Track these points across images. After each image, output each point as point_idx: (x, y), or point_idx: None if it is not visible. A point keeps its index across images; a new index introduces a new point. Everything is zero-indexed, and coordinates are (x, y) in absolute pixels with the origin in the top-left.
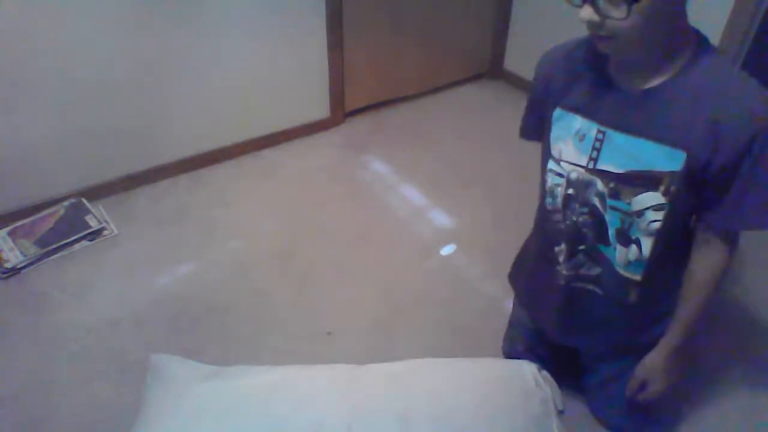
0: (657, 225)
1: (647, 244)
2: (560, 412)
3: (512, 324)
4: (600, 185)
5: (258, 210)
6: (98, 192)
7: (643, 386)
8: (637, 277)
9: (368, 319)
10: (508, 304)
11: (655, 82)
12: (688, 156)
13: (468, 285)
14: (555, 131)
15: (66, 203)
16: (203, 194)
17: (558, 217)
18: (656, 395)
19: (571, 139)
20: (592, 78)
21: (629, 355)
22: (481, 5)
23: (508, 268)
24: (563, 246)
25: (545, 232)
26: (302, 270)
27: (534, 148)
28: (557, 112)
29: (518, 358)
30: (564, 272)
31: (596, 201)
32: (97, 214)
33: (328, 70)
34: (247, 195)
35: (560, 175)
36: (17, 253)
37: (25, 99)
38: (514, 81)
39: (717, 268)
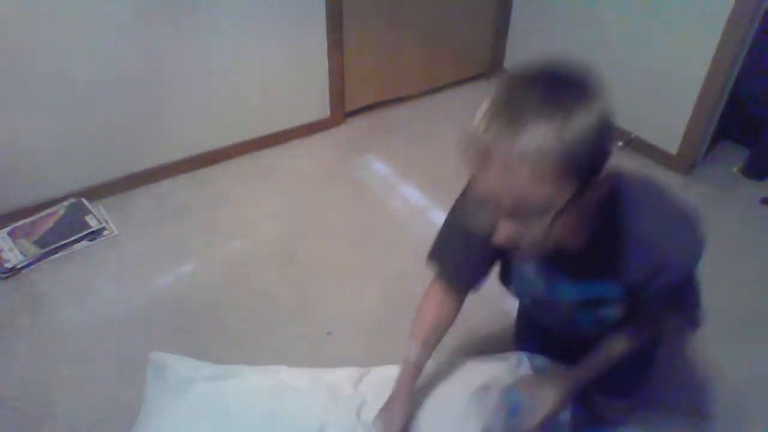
0: (620, 316)
1: (615, 321)
2: None
3: (518, 317)
4: (563, 307)
5: (258, 210)
6: (98, 192)
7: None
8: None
9: (368, 319)
10: (508, 303)
11: (578, 243)
12: (624, 286)
13: None
14: (514, 274)
15: (66, 203)
16: (203, 194)
17: (531, 311)
18: (533, 421)
19: (528, 271)
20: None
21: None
22: (481, 5)
23: None
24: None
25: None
26: (302, 270)
27: None
28: (520, 262)
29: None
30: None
31: (563, 312)
32: (97, 214)
33: (328, 70)
34: (247, 195)
35: (521, 294)
36: (17, 253)
37: (25, 99)
38: None
39: (629, 338)
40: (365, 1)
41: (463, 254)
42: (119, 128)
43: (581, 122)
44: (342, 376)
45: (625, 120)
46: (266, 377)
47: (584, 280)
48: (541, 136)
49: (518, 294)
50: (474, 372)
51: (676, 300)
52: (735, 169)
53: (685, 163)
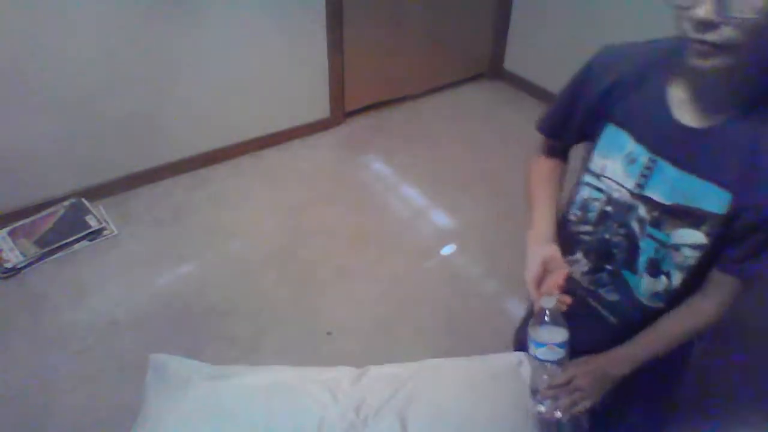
0: (692, 261)
1: (678, 278)
2: None
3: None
4: (642, 211)
5: (258, 210)
6: (98, 192)
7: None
8: (661, 305)
9: (368, 319)
10: (508, 303)
11: (714, 121)
12: (733, 200)
13: (468, 285)
14: (602, 145)
15: (66, 203)
16: (203, 194)
17: (584, 229)
18: (585, 408)
19: (620, 159)
20: (653, 98)
21: None
22: (481, 5)
23: (508, 268)
24: (580, 256)
25: (558, 238)
26: (302, 270)
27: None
28: (609, 125)
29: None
30: (583, 284)
31: (635, 225)
32: (97, 214)
33: (328, 70)
34: (247, 195)
35: (599, 190)
36: (17, 253)
37: (25, 99)
38: (514, 81)
39: (694, 317)
40: (365, 1)
41: (565, 112)
42: (119, 128)
43: None
44: (341, 375)
45: None
46: (266, 377)
47: (692, 173)
48: None
49: (590, 194)
50: (475, 370)
51: None
52: None
53: None
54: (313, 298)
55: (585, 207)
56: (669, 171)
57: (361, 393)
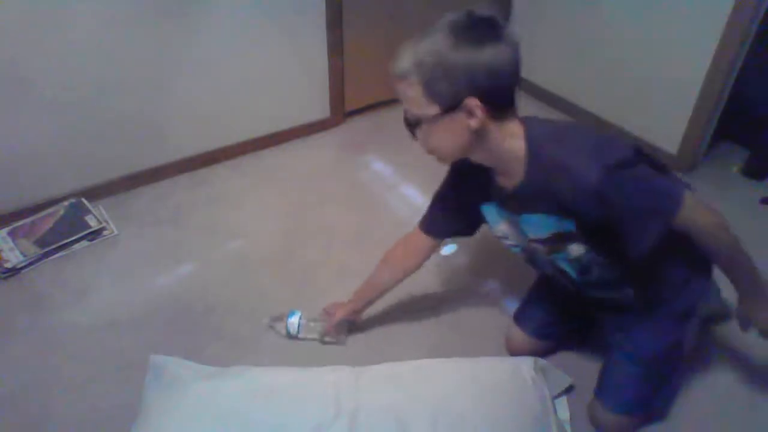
0: (600, 259)
1: (606, 269)
2: (570, 388)
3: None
4: (540, 249)
5: (258, 210)
6: (98, 192)
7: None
8: (622, 282)
9: (368, 319)
10: (508, 303)
11: (515, 182)
12: (573, 219)
13: (468, 285)
14: (489, 218)
15: (66, 203)
16: (203, 194)
17: (532, 267)
18: None
19: (504, 222)
20: (483, 176)
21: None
22: (481, 5)
23: (507, 268)
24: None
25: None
26: (302, 270)
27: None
28: (485, 205)
29: (527, 320)
30: (573, 285)
31: (545, 259)
32: (97, 214)
33: (327, 70)
34: (247, 195)
35: (513, 245)
36: (17, 253)
37: (26, 99)
38: None
39: (713, 236)
40: (365, 1)
41: (441, 208)
42: (119, 128)
43: (427, 46)
44: (341, 375)
45: (625, 120)
46: (265, 377)
47: (537, 213)
48: (405, 58)
49: (508, 245)
50: (475, 371)
51: (639, 207)
52: (735, 169)
53: (685, 163)
54: (313, 298)
55: (514, 253)
56: (527, 218)
57: (361, 393)
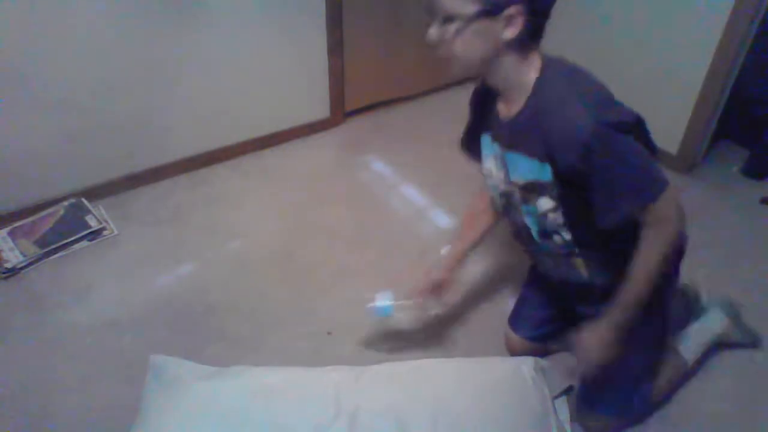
0: (560, 220)
1: (565, 235)
2: (570, 388)
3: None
4: (516, 194)
5: (258, 210)
6: (98, 192)
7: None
8: (575, 250)
9: (368, 319)
10: (508, 303)
11: (514, 111)
12: (551, 167)
13: (468, 285)
14: (483, 150)
15: (66, 203)
16: (203, 194)
17: (504, 220)
18: (590, 368)
19: (491, 158)
20: (490, 104)
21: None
22: None
23: (507, 267)
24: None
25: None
26: (302, 270)
27: None
28: (483, 134)
29: (521, 319)
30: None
31: (517, 207)
32: (97, 214)
33: (327, 70)
34: (247, 195)
35: (494, 186)
36: (17, 253)
37: (26, 99)
38: None
39: (647, 249)
40: (365, 1)
41: (468, 130)
42: (119, 128)
43: None
44: (341, 375)
45: None
46: (265, 377)
47: (521, 153)
48: None
49: (491, 185)
50: (475, 371)
51: (618, 179)
52: (735, 169)
53: (685, 162)
54: (313, 298)
55: (495, 204)
56: (511, 157)
57: (361, 393)
